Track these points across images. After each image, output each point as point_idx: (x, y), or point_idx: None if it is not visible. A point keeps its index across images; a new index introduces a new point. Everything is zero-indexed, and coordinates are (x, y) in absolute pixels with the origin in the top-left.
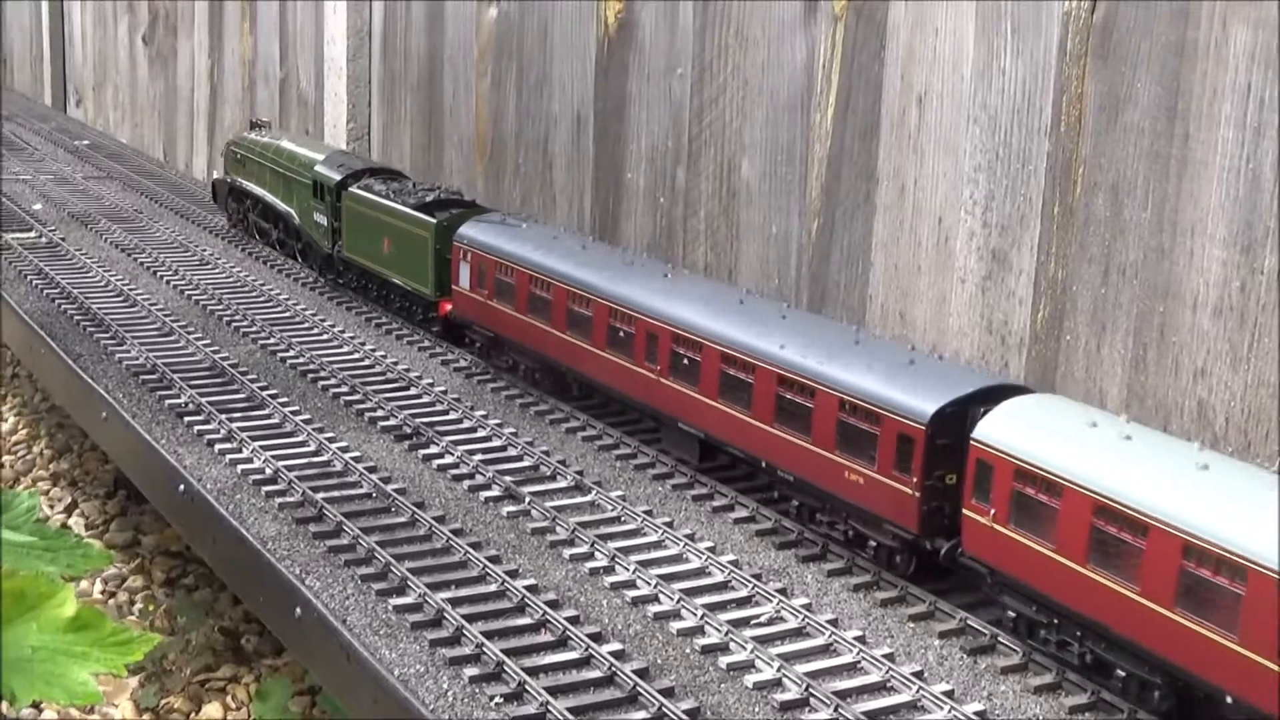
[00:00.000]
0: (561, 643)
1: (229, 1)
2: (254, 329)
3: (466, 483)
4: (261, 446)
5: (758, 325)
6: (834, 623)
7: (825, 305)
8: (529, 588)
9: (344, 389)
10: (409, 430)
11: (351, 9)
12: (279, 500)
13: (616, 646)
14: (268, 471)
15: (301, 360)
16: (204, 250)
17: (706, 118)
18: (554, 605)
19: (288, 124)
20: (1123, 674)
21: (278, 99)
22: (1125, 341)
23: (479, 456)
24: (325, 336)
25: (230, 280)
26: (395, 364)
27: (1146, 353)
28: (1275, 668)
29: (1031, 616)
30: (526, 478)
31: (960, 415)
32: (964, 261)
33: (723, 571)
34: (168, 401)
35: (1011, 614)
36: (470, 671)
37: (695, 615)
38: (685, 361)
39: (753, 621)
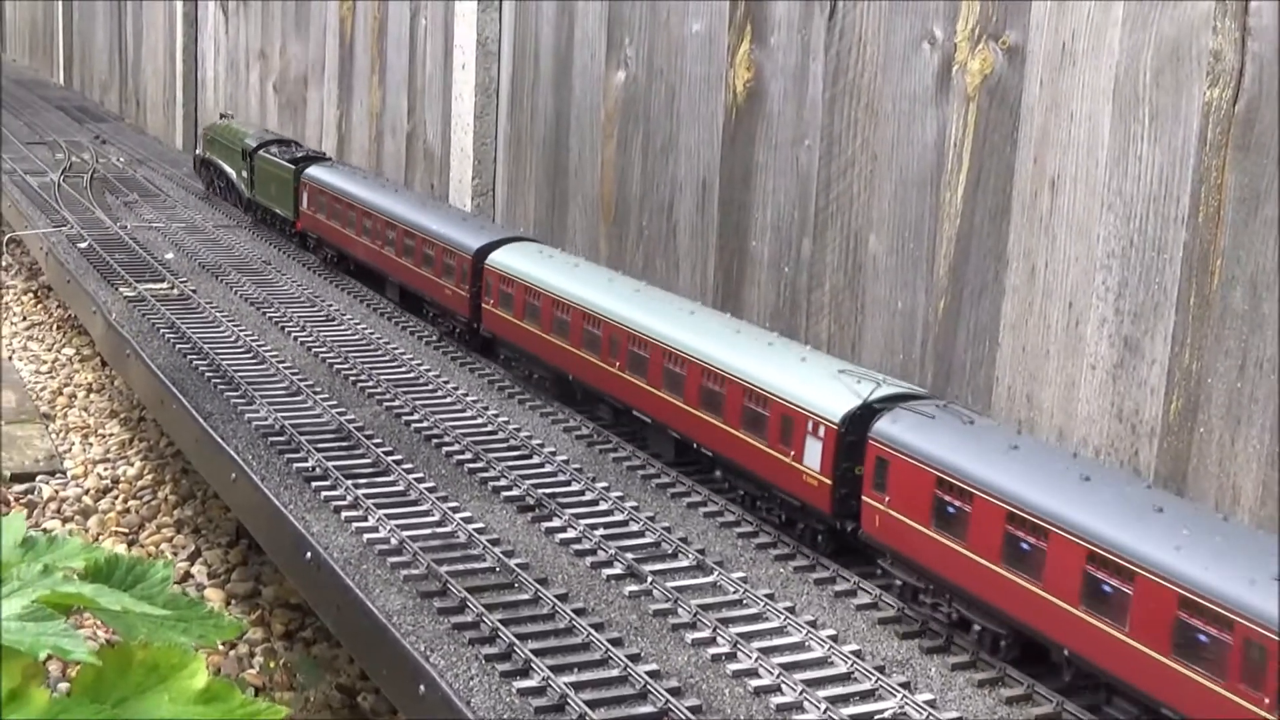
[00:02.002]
0: None
1: (359, 54)
2: (379, 390)
3: (589, 559)
4: (387, 515)
5: (404, 203)
6: None
7: (950, 384)
8: (651, 673)
9: (467, 455)
10: (532, 502)
11: (480, 66)
12: (404, 572)
13: None
14: (393, 541)
15: (425, 424)
16: (330, 305)
17: (834, 190)
18: (676, 693)
19: (413, 177)
20: (538, 376)
21: (404, 152)
22: (1261, 438)
23: (601, 531)
24: (449, 400)
25: (356, 338)
26: (518, 430)
27: None
28: (594, 359)
29: (510, 355)
30: (648, 555)
31: (488, 251)
32: (1095, 347)
33: (845, 662)
34: (295, 465)
35: (504, 355)
36: None
37: (819, 709)
38: (390, 236)
39: (876, 717)
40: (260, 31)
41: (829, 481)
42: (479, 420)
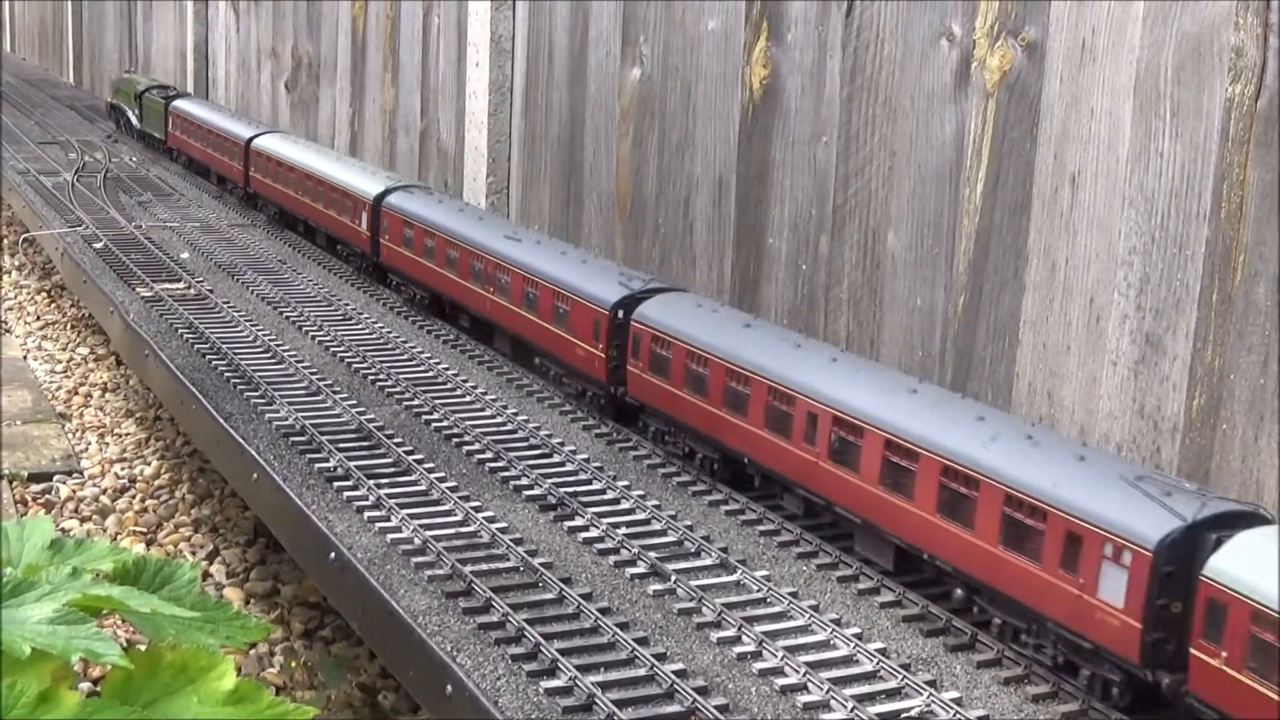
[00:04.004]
0: None
1: (372, 52)
2: (398, 389)
3: (612, 558)
4: (410, 515)
5: (226, 119)
6: None
7: (970, 380)
8: (677, 672)
9: (488, 454)
10: (554, 500)
11: (494, 64)
12: (428, 572)
13: None
14: (416, 541)
15: (445, 423)
16: (347, 305)
17: (852, 187)
18: (703, 692)
19: (426, 174)
20: (292, 222)
21: (418, 149)
22: None
23: (623, 530)
24: (468, 398)
25: (373, 337)
26: (538, 429)
27: None
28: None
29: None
30: (671, 554)
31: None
32: (1116, 344)
33: (871, 660)
34: (317, 465)
35: (272, 212)
36: None
37: (846, 708)
38: (215, 142)
39: (903, 715)
40: (271, 30)
41: (369, 234)
42: (499, 419)
